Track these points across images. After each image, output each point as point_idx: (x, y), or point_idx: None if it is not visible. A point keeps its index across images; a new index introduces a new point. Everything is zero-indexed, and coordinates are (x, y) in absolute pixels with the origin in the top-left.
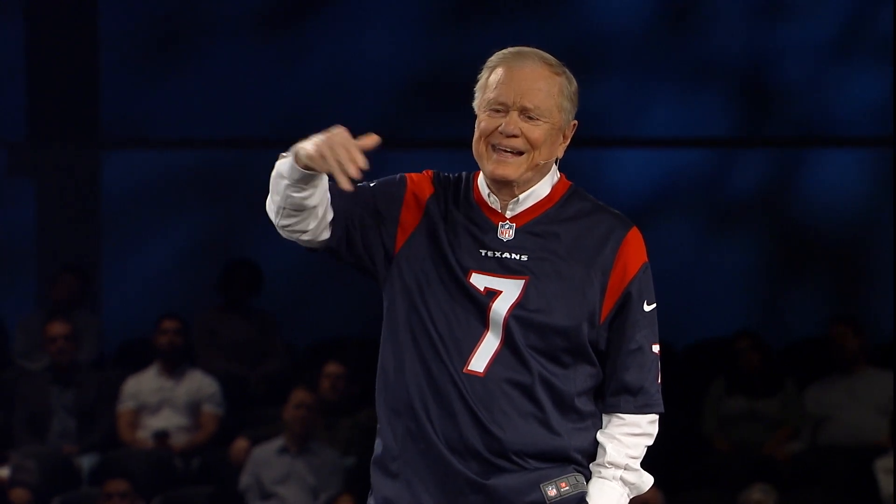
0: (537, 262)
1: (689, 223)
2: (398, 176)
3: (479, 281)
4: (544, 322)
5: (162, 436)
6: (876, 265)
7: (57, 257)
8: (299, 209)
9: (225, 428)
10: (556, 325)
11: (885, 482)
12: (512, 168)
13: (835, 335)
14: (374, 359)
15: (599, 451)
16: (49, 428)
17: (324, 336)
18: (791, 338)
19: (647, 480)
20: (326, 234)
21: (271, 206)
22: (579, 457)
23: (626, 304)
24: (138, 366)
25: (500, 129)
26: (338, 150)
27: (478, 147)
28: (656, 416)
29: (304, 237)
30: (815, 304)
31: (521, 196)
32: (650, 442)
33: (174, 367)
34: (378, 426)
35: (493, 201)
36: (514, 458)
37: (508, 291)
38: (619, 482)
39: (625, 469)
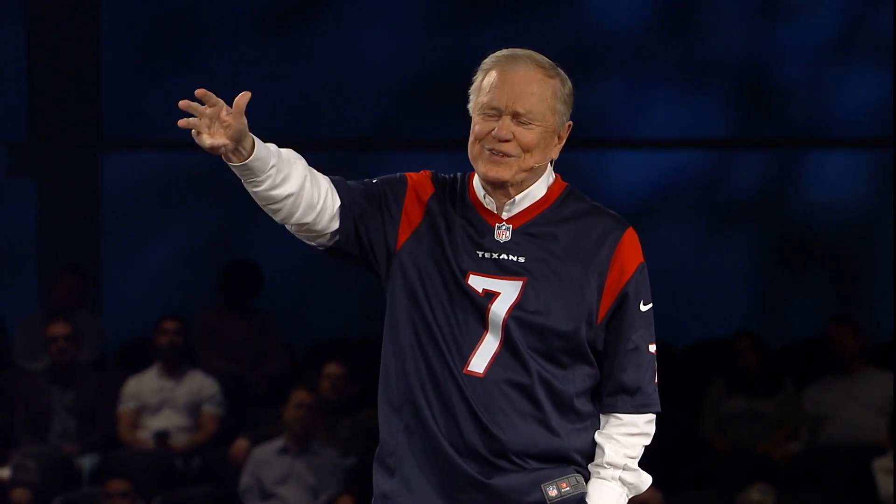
0: (535, 264)
1: (688, 224)
2: (398, 174)
3: (478, 282)
4: (543, 323)
5: (162, 436)
6: (875, 266)
7: (57, 257)
8: (272, 201)
9: (225, 428)
10: (554, 327)
11: (883, 482)
12: (505, 169)
13: (834, 335)
14: (374, 359)
15: (598, 451)
16: (50, 428)
17: (324, 336)
18: (790, 338)
19: (645, 480)
20: (336, 224)
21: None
22: (579, 457)
23: (622, 305)
24: (139, 366)
25: (492, 133)
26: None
27: (472, 149)
28: (654, 416)
29: (316, 228)
30: (815, 304)
31: (517, 197)
32: (648, 441)
33: (174, 367)
34: (379, 422)
35: (489, 203)
36: (515, 458)
37: (507, 293)
38: (618, 482)
39: (623, 469)
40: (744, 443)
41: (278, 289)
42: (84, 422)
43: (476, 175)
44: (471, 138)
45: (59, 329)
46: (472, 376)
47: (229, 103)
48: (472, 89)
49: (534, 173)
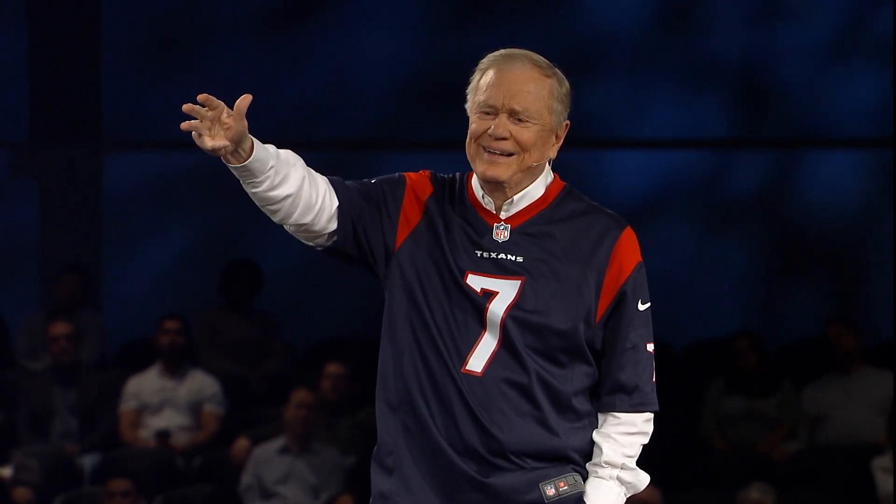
0: (533, 263)
1: (687, 224)
2: (397, 174)
3: (476, 282)
4: (541, 322)
5: (163, 435)
6: (874, 266)
7: (59, 257)
8: (270, 202)
9: (226, 427)
10: (553, 326)
11: (882, 481)
12: (502, 169)
13: (832, 335)
14: (374, 358)
15: (595, 450)
16: (51, 428)
17: (324, 336)
18: (789, 338)
19: (643, 479)
20: (333, 225)
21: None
22: (577, 456)
23: (620, 304)
24: (140, 366)
25: (489, 131)
26: (199, 128)
27: (469, 149)
28: (651, 415)
29: (314, 229)
30: (814, 304)
31: (515, 197)
32: (646, 440)
33: (175, 367)
34: (376, 422)
35: (488, 203)
36: (513, 458)
37: (505, 292)
38: (616, 481)
39: (621, 468)
40: (743, 442)
41: (279, 289)
42: (85, 421)
43: (475, 175)
44: (468, 137)
45: (60, 329)
46: (470, 376)
47: (230, 103)
48: (470, 89)
49: (531, 173)
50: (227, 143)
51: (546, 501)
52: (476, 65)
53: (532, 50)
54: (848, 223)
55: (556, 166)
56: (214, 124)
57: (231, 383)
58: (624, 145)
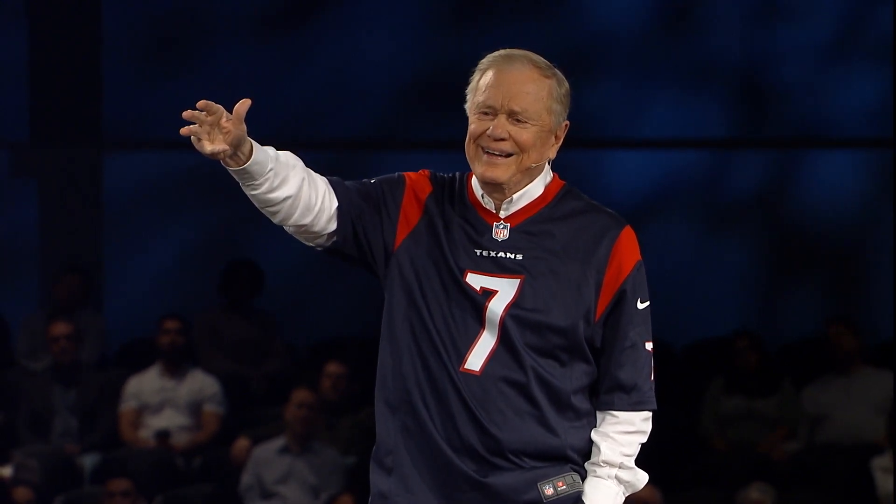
0: (532, 261)
1: (687, 224)
2: (396, 174)
3: (475, 280)
4: (541, 321)
5: (163, 435)
6: (873, 266)
7: (59, 257)
8: (270, 204)
9: (226, 427)
10: (552, 324)
11: (882, 481)
12: (501, 170)
13: (832, 335)
14: (374, 358)
15: (594, 449)
16: (51, 427)
17: (324, 336)
18: (789, 337)
19: (641, 478)
20: (333, 225)
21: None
22: (576, 456)
23: (620, 302)
24: (140, 365)
25: (488, 132)
26: (199, 132)
27: (468, 149)
28: (650, 414)
29: (314, 229)
30: (813, 304)
31: (515, 196)
32: (644, 439)
33: (176, 366)
34: (376, 421)
35: (487, 202)
36: (512, 457)
37: (504, 291)
38: (615, 481)
39: (620, 467)
40: (743, 442)
41: (279, 289)
42: (85, 421)
43: (474, 175)
44: (467, 138)
45: (60, 329)
46: (469, 374)
47: (230, 104)
48: (469, 89)
49: (531, 173)
50: (227, 147)
51: (544, 501)
52: (475, 65)
53: (532, 50)
54: (848, 223)
55: (556, 166)
56: (214, 129)
57: (231, 383)
58: (624, 145)
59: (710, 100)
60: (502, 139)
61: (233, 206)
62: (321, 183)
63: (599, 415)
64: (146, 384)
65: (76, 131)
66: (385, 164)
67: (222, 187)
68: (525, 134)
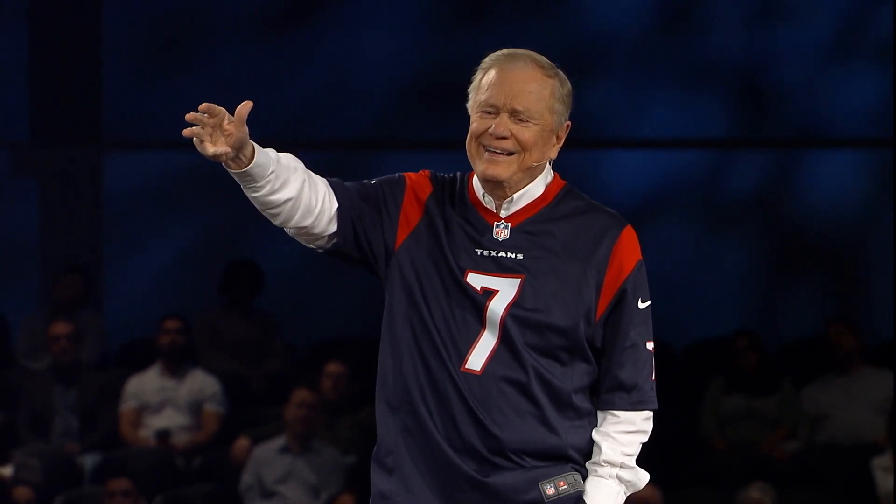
0: (533, 261)
1: (687, 224)
2: (397, 175)
3: (476, 280)
4: (541, 320)
5: (164, 435)
6: (873, 266)
7: (59, 257)
8: (271, 206)
9: (226, 427)
10: (553, 323)
11: (882, 480)
12: (502, 168)
13: (832, 335)
14: (374, 358)
15: (595, 449)
16: (52, 427)
17: (324, 336)
18: (789, 337)
19: (642, 477)
20: (333, 227)
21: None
22: (577, 455)
23: (620, 302)
24: (140, 365)
25: (490, 130)
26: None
27: (470, 148)
28: (650, 413)
29: (314, 231)
30: (813, 304)
31: (515, 196)
32: (645, 439)
33: (176, 366)
34: (376, 422)
35: (488, 201)
36: (513, 456)
37: (505, 290)
38: (616, 480)
39: (620, 467)
40: (743, 442)
41: (279, 288)
42: (86, 421)
43: (475, 174)
44: (469, 136)
45: (60, 328)
46: (470, 374)
47: (229, 104)
48: (472, 87)
49: (531, 172)
50: (228, 149)
51: (546, 500)
52: (476, 64)
53: (532, 50)
54: (848, 223)
55: (557, 166)
56: (216, 131)
57: (231, 383)
58: (624, 145)
59: (710, 100)
60: (504, 137)
61: (233, 206)
62: (321, 185)
63: (600, 414)
64: (146, 384)
65: (76, 131)
66: (385, 164)
67: (222, 187)
68: (527, 133)
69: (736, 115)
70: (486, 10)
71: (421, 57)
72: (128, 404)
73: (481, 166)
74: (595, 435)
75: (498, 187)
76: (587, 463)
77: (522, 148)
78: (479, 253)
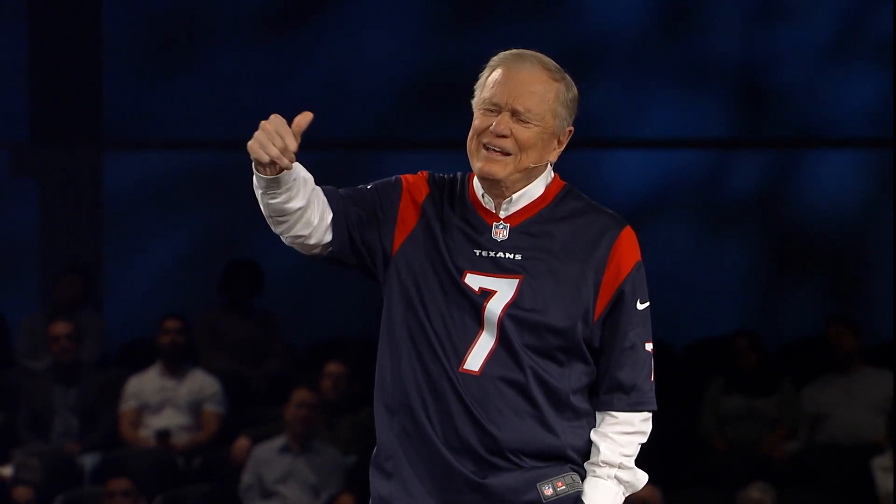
0: (531, 262)
1: (687, 224)
2: (393, 178)
3: (474, 281)
4: (539, 321)
5: (164, 435)
6: (873, 266)
7: (59, 257)
8: (282, 213)
9: (226, 427)
10: (550, 324)
11: (882, 480)
12: (499, 167)
13: (832, 335)
14: (374, 358)
15: (593, 450)
16: (52, 427)
17: (325, 336)
18: (789, 337)
19: (641, 478)
20: (329, 237)
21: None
22: (575, 455)
23: (619, 303)
24: (140, 365)
25: (490, 128)
26: (272, 138)
27: (470, 145)
28: (649, 415)
29: (310, 241)
30: (813, 303)
31: (515, 196)
32: (643, 440)
33: (176, 366)
34: (375, 425)
35: (488, 202)
36: (511, 456)
37: (503, 291)
38: (614, 481)
39: (619, 468)
40: (743, 442)
41: (279, 288)
42: (86, 421)
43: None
44: (470, 133)
45: (61, 328)
46: (468, 375)
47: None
48: (477, 85)
49: (530, 174)
50: (282, 156)
51: (544, 501)
52: (475, 65)
53: (532, 50)
54: (848, 223)
55: (556, 166)
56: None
57: (231, 383)
58: (624, 145)
59: (710, 100)
60: (503, 136)
61: (233, 206)
62: (320, 194)
63: (599, 415)
64: (146, 384)
65: (76, 131)
66: (385, 164)
67: (222, 187)
68: (526, 133)
69: (736, 115)
70: (486, 10)
71: (421, 57)
72: (128, 404)
73: (479, 164)
74: (594, 436)
75: (495, 186)
76: (586, 464)
77: (520, 148)
78: (477, 253)
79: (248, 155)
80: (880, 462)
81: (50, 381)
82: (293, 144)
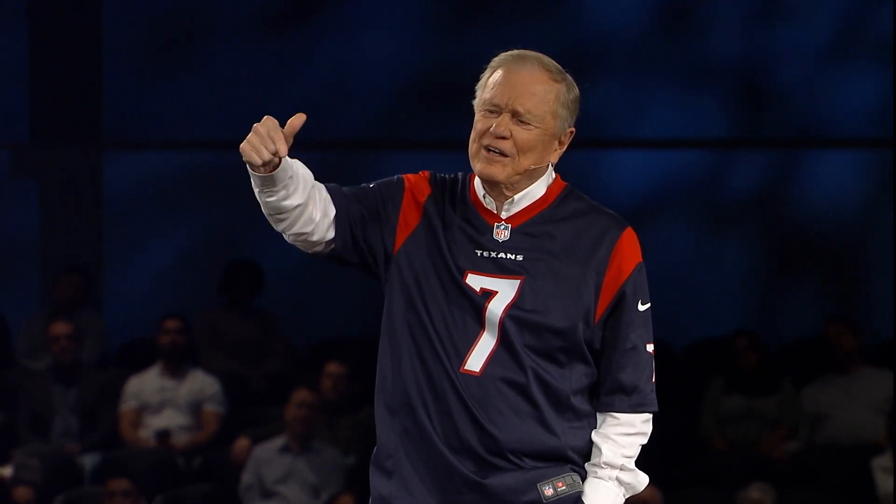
0: (533, 262)
1: (687, 224)
2: (395, 177)
3: (475, 281)
4: (540, 321)
5: (164, 435)
6: (873, 266)
7: (59, 257)
8: (281, 211)
9: (226, 427)
10: (551, 325)
11: (882, 481)
12: (498, 168)
13: (832, 335)
14: (374, 358)
15: (594, 451)
16: (52, 427)
17: (325, 336)
18: (789, 337)
19: (642, 480)
20: (331, 234)
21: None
22: (576, 456)
23: (620, 304)
24: (140, 365)
25: (491, 129)
26: (264, 142)
27: (471, 147)
28: (650, 416)
29: (312, 238)
30: (813, 304)
31: (516, 197)
32: (644, 441)
33: (176, 366)
34: (376, 425)
35: (489, 202)
36: (511, 457)
37: (504, 291)
38: (615, 482)
39: (620, 469)
40: (743, 442)
41: (279, 288)
42: (86, 421)
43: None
44: (472, 135)
45: (60, 328)
46: (469, 375)
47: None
48: (479, 85)
49: (531, 175)
50: (270, 156)
51: (544, 501)
52: (475, 65)
53: (532, 50)
54: (848, 223)
55: (557, 166)
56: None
57: (231, 383)
58: (624, 145)
59: (710, 100)
60: (503, 137)
61: (233, 206)
62: (322, 191)
63: (600, 416)
64: (146, 384)
65: (76, 131)
66: (385, 164)
67: (222, 187)
68: (527, 135)
69: (736, 116)
70: (486, 10)
71: (421, 57)
72: (128, 404)
73: (479, 165)
74: (595, 437)
75: (496, 188)
76: (586, 464)
77: (519, 150)
78: (478, 254)
79: None
80: (880, 462)
81: (50, 381)
82: (283, 150)
